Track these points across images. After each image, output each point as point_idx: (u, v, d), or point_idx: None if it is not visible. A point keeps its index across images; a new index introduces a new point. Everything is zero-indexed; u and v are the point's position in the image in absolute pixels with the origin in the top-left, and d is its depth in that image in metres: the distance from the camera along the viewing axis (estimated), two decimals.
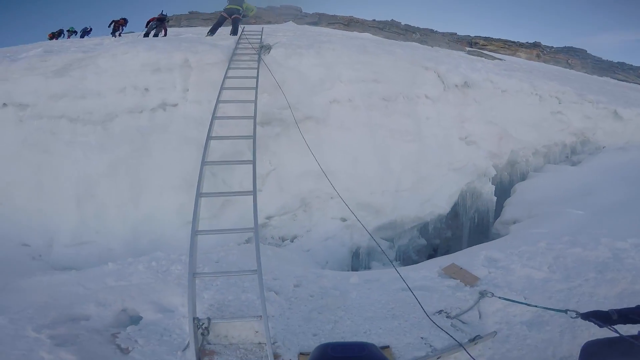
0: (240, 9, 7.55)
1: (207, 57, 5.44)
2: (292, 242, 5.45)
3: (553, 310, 2.56)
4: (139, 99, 5.21)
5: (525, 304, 2.78)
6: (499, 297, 2.99)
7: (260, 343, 2.53)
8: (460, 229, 7.31)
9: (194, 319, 2.38)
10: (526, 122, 7.91)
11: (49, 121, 4.96)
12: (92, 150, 4.72)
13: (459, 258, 4.12)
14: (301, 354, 2.53)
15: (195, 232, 2.84)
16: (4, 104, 5.22)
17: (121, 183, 4.73)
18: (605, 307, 2.24)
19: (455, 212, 7.20)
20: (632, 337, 2.00)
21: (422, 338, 2.57)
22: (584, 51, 26.32)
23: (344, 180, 5.54)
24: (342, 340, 2.58)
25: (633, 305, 2.09)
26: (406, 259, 6.44)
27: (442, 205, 6.60)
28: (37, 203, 4.58)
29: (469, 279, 3.46)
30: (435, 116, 7.02)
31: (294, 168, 5.62)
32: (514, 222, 5.81)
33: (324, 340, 2.65)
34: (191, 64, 5.37)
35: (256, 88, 4.77)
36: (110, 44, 6.81)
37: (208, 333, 2.45)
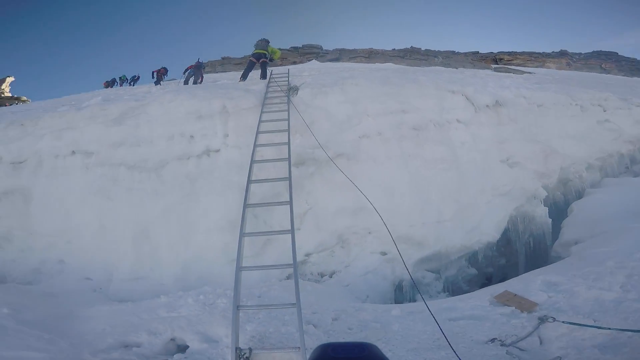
0: (267, 53, 8.05)
1: (242, 103, 5.97)
2: (331, 277, 5.38)
3: (631, 332, 2.23)
4: (186, 145, 5.73)
5: (596, 327, 2.45)
6: (563, 322, 2.67)
7: None
8: (515, 255, 6.68)
9: (236, 348, 2.45)
10: (571, 135, 7.38)
11: (110, 168, 5.56)
12: (148, 196, 5.25)
13: (513, 285, 3.91)
14: None
15: (239, 268, 2.99)
16: (73, 152, 5.88)
17: (172, 225, 5.17)
18: None
19: (507, 239, 6.66)
20: None
21: None
22: (614, 54, 24.40)
23: (381, 214, 5.51)
24: None
25: None
26: (456, 289, 5.97)
27: (490, 233, 6.18)
28: (99, 242, 5.09)
29: (525, 305, 3.21)
30: (471, 140, 6.78)
31: (329, 206, 5.68)
32: (575, 243, 5.22)
33: None
34: (228, 109, 5.92)
35: (288, 130, 5.14)
36: (157, 92, 7.54)
37: None
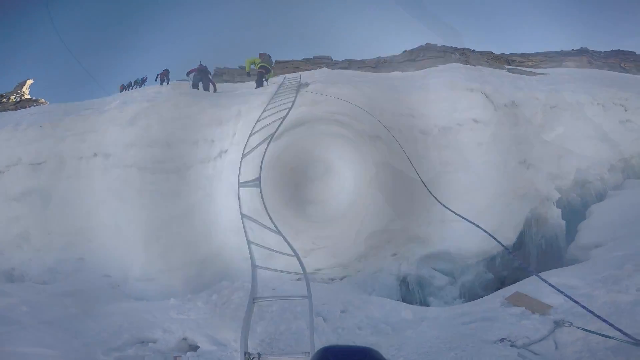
0: (269, 67, 9.17)
1: (252, 100, 6.21)
2: (342, 280, 5.39)
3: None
4: (208, 149, 5.88)
5: (604, 335, 2.41)
6: (578, 327, 2.63)
7: None
8: (528, 257, 6.55)
9: (245, 353, 2.42)
10: (591, 135, 7.20)
11: (124, 170, 5.66)
12: (163, 197, 5.38)
13: (525, 286, 3.82)
14: None
15: (254, 266, 3.09)
16: (95, 154, 6.08)
17: (186, 225, 5.27)
18: None
19: (520, 241, 6.54)
20: None
21: None
22: (632, 53, 23.34)
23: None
24: None
25: None
26: (472, 295, 5.87)
27: (508, 236, 6.04)
28: (116, 242, 5.25)
29: (537, 307, 3.15)
30: (490, 141, 6.56)
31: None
32: (595, 247, 5.09)
33: None
34: (242, 112, 6.11)
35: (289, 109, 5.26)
36: (168, 92, 7.54)
37: None
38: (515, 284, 4.24)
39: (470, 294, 5.91)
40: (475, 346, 2.58)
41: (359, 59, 21.77)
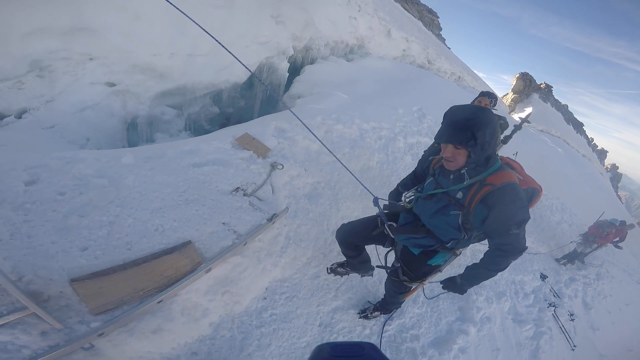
0: None
1: None
2: (20, 118, 3.43)
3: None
4: None
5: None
6: (282, 169, 3.22)
7: None
8: (253, 99, 7.26)
9: None
10: (329, 17, 8.14)
11: None
12: None
13: (252, 128, 3.87)
14: (73, 280, 1.78)
15: None
16: None
17: None
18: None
19: (250, 83, 6.91)
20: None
21: (224, 224, 2.38)
22: None
23: (113, 39, 3.90)
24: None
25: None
26: (198, 128, 5.84)
27: (239, 75, 6.07)
28: None
29: (261, 150, 3.34)
30: None
31: (19, 24, 3.45)
32: (299, 97, 6.29)
33: (100, 254, 1.97)
34: None
35: None
36: None
37: None
38: (245, 124, 4.48)
39: (196, 127, 5.88)
40: (214, 199, 2.55)
41: None
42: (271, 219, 2.55)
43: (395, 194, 2.25)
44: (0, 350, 1.55)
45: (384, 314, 2.71)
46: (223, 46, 2.13)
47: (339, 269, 2.78)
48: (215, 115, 6.26)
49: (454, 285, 1.90)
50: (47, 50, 3.74)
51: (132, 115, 4.40)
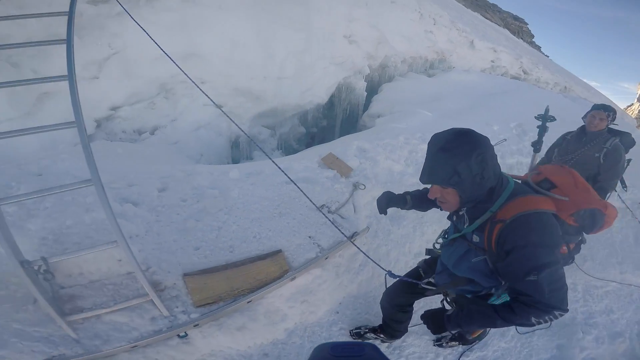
0: None
1: None
2: (153, 134, 4.32)
3: None
4: None
5: None
6: (365, 189, 3.25)
7: (129, 273, 1.97)
8: (334, 119, 7.61)
9: (21, 262, 1.55)
10: (403, 33, 8.15)
11: None
12: None
13: (336, 147, 4.03)
14: (186, 275, 2.11)
15: None
16: None
17: None
18: None
19: (331, 103, 7.29)
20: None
21: (309, 237, 2.56)
22: None
23: (218, 64, 4.49)
24: None
25: None
26: (287, 147, 6.40)
27: (321, 95, 6.46)
28: None
29: (344, 170, 3.45)
30: (327, 9, 6.36)
31: (147, 51, 4.16)
32: (379, 116, 6.33)
33: (208, 253, 2.34)
34: None
35: None
36: None
37: (53, 276, 1.71)
38: (328, 144, 4.70)
39: (286, 146, 6.45)
40: (303, 213, 2.76)
41: None
42: (352, 236, 2.61)
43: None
44: (117, 329, 1.78)
45: (462, 344, 2.47)
46: (192, 80, 2.34)
47: (368, 334, 2.38)
48: (302, 135, 6.76)
49: (438, 316, 1.51)
50: (170, 74, 4.46)
51: (235, 135, 5.11)
